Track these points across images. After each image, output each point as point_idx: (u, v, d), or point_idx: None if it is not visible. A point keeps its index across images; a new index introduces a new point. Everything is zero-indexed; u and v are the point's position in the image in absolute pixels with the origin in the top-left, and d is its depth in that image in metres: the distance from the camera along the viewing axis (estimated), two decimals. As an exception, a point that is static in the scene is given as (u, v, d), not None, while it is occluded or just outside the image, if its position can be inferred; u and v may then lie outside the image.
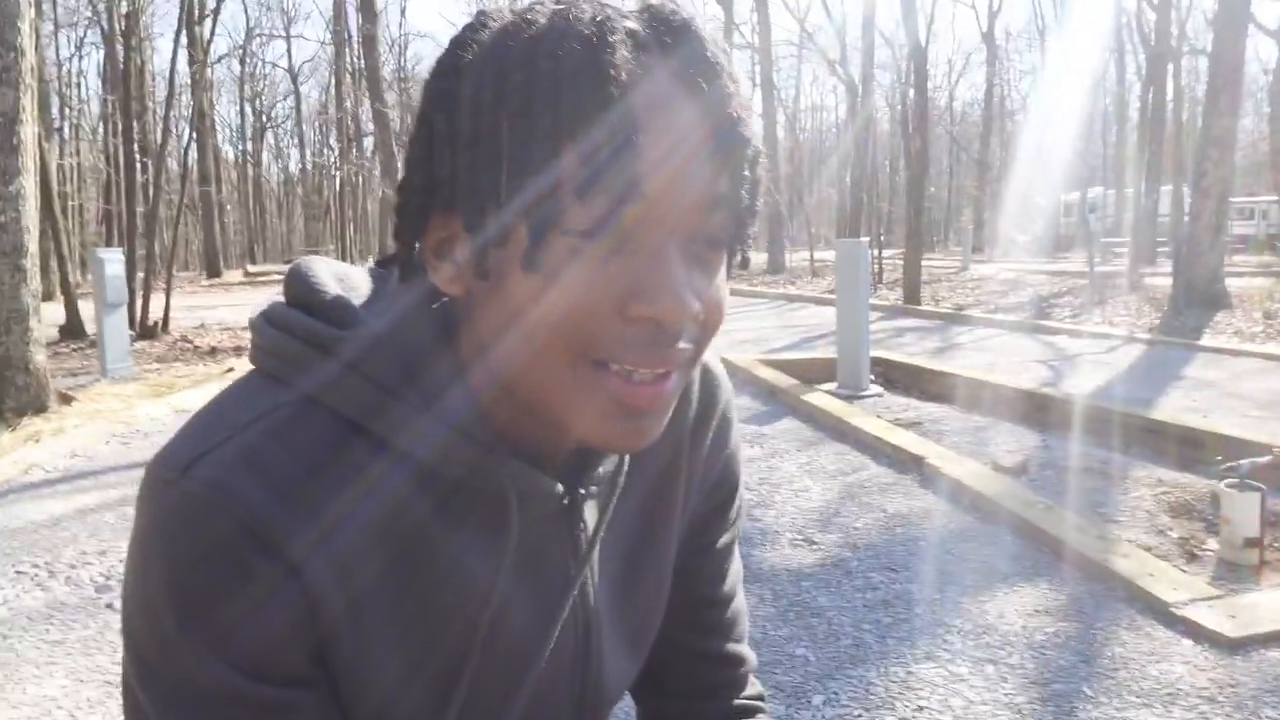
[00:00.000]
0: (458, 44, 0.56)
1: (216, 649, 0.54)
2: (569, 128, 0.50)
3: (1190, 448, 4.65)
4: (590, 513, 0.69)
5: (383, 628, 0.59)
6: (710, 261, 0.56)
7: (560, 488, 0.64)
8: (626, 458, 0.70)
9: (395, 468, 0.58)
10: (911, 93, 16.15)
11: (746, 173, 0.55)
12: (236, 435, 0.55)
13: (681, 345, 0.55)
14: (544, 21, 0.52)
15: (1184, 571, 3.08)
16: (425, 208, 0.57)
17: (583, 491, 0.67)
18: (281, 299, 0.63)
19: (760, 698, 0.88)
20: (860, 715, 2.25)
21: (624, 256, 0.53)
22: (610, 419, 0.55)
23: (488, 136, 0.52)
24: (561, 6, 0.53)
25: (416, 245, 0.59)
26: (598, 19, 0.52)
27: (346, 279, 0.64)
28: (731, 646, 0.85)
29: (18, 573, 3.32)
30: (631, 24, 0.53)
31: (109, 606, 3.00)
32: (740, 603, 0.86)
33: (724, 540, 0.83)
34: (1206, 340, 9.42)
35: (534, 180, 0.51)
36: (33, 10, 6.46)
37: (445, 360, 0.59)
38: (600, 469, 0.67)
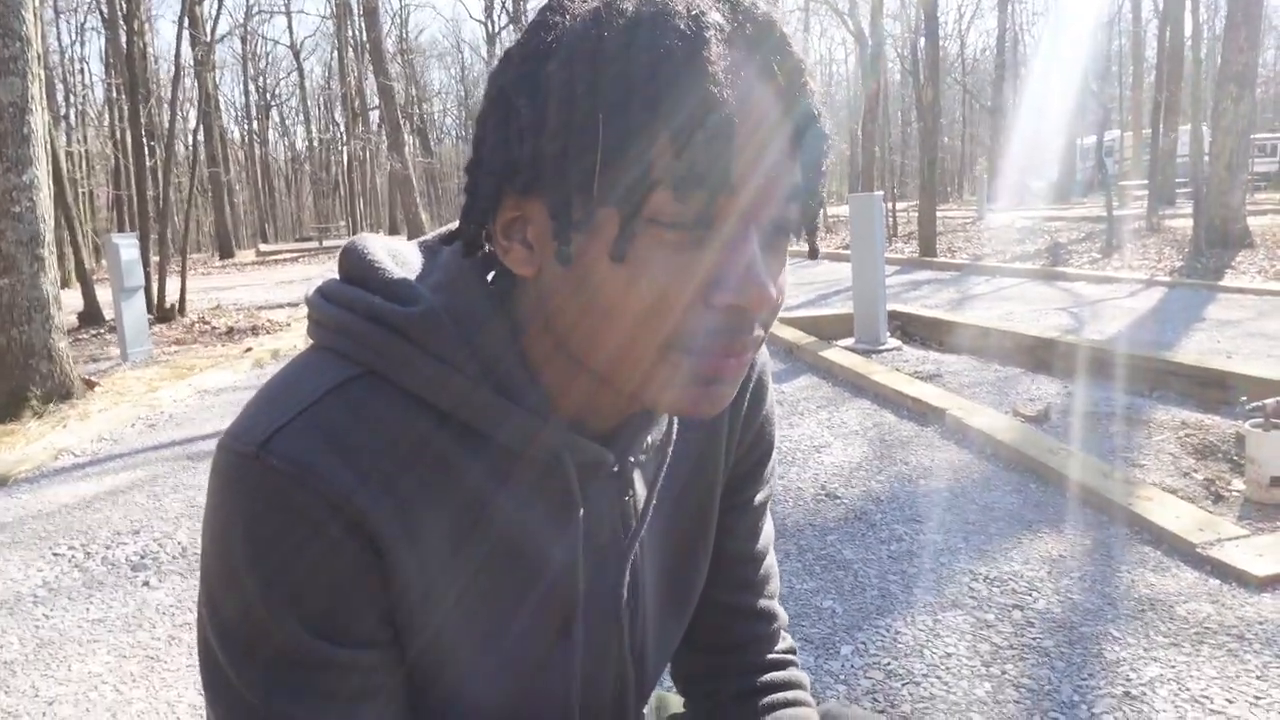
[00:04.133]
0: (539, 26, 0.55)
1: (296, 614, 0.56)
2: (667, 122, 0.50)
3: (1214, 389, 4.62)
4: (638, 480, 0.70)
5: (447, 587, 0.61)
6: (780, 248, 0.57)
7: (611, 456, 0.65)
8: (675, 427, 0.71)
9: (459, 439, 0.60)
10: (922, 42, 15.85)
11: (821, 166, 0.57)
12: (308, 409, 0.56)
13: (757, 332, 0.57)
14: (633, 9, 0.52)
15: (1210, 512, 3.07)
16: (500, 189, 0.57)
17: (632, 460, 0.68)
18: (335, 276, 0.64)
19: (791, 651, 0.89)
20: (889, 664, 2.27)
21: (707, 246, 0.53)
22: (688, 388, 0.57)
23: (580, 127, 0.52)
24: None
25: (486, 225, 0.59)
26: (691, 12, 0.51)
27: (399, 254, 0.65)
28: (764, 603, 0.86)
29: (55, 554, 3.39)
30: (718, 16, 0.53)
31: (145, 585, 3.06)
32: (772, 560, 0.88)
33: (759, 498, 0.85)
34: (1229, 280, 9.31)
35: (629, 172, 0.51)
36: (35, -2, 6.45)
37: (505, 336, 0.60)
38: (649, 438, 0.69)
